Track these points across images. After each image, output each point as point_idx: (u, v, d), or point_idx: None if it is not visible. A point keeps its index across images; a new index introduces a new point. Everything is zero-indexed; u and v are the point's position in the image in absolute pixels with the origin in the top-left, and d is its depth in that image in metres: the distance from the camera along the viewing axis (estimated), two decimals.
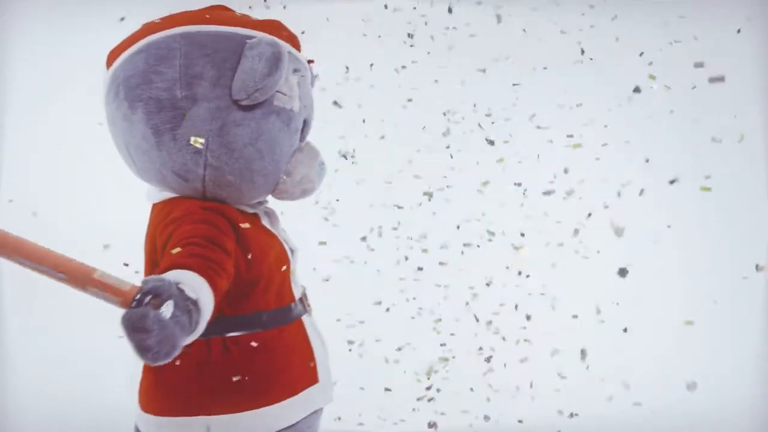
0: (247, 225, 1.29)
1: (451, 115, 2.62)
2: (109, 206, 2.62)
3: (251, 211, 1.37)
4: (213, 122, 1.28)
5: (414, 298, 2.63)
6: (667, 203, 2.63)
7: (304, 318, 1.41)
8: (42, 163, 2.77)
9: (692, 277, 2.64)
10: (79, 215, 2.72)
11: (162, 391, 1.31)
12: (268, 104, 1.29)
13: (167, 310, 0.97)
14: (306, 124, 1.37)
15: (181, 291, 1.02)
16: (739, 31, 2.52)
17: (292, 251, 1.42)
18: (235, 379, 1.29)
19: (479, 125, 2.58)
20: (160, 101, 1.27)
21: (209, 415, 1.28)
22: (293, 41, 1.37)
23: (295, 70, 1.32)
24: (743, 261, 2.65)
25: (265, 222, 1.39)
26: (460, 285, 2.68)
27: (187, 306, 1.00)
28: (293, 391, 1.34)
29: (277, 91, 1.30)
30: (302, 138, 1.37)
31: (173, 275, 1.05)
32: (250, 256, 1.29)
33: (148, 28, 1.34)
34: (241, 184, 1.32)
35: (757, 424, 2.64)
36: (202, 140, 1.26)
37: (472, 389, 2.62)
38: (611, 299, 2.62)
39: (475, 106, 2.59)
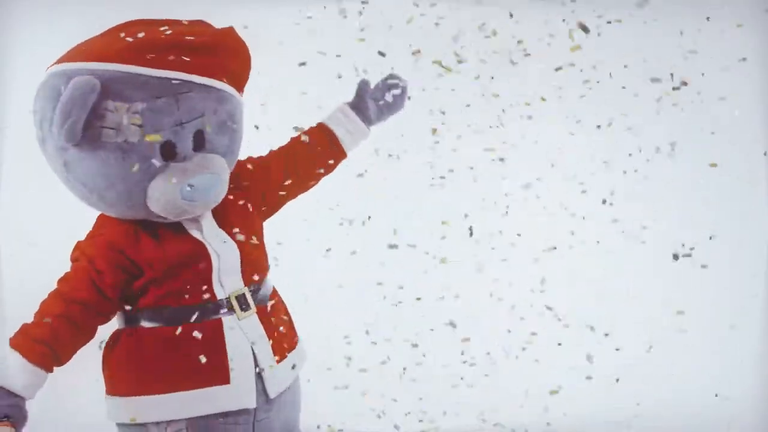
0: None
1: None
2: None
3: (168, 220, 1.48)
4: (59, 160, 1.45)
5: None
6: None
7: (228, 318, 1.51)
8: (43, 163, 2.76)
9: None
10: (80, 215, 2.70)
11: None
12: (93, 140, 1.38)
13: None
14: (173, 145, 1.42)
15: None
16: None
17: (218, 254, 1.52)
18: (133, 365, 1.51)
19: None
20: (37, 138, 1.50)
21: (113, 394, 1.55)
22: (156, 56, 1.41)
23: (152, 96, 1.38)
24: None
25: (189, 227, 1.51)
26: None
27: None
28: (187, 386, 1.48)
29: (102, 127, 1.37)
30: (175, 159, 1.43)
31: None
32: (143, 260, 1.47)
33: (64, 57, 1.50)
34: (108, 212, 1.51)
35: (757, 425, 2.62)
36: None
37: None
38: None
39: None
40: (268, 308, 1.59)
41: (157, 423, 1.50)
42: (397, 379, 2.68)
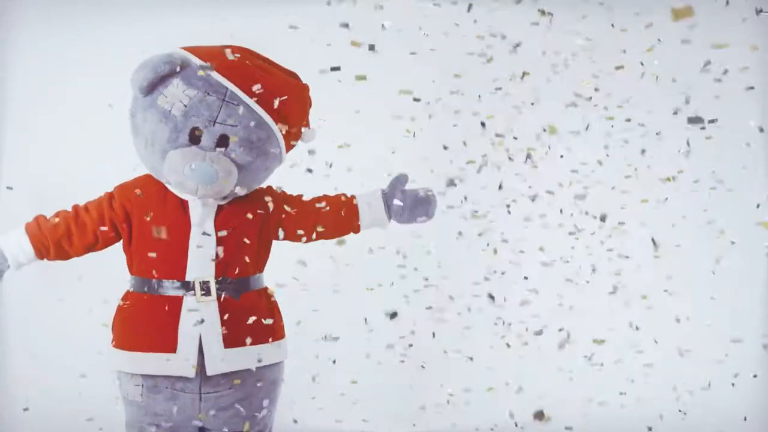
0: (138, 191, 1.80)
1: None
2: None
3: (183, 197, 1.77)
4: (131, 105, 1.78)
5: None
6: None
7: (188, 298, 1.75)
8: (43, 157, 2.79)
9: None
10: None
11: None
12: (153, 99, 1.72)
13: None
14: (198, 133, 1.70)
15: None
16: None
17: (197, 242, 1.76)
18: (116, 322, 1.82)
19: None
20: None
21: (112, 346, 1.83)
22: (231, 68, 1.73)
23: (205, 90, 1.70)
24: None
25: (193, 210, 1.77)
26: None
27: None
28: (142, 348, 1.76)
29: (162, 93, 1.70)
30: (192, 142, 1.71)
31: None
32: (132, 227, 1.78)
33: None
34: (146, 165, 1.80)
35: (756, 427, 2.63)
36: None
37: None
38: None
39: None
40: (236, 301, 1.79)
41: (125, 373, 1.80)
42: None
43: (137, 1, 2.68)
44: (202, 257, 1.76)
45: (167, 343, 1.75)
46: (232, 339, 1.78)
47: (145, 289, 1.78)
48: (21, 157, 2.81)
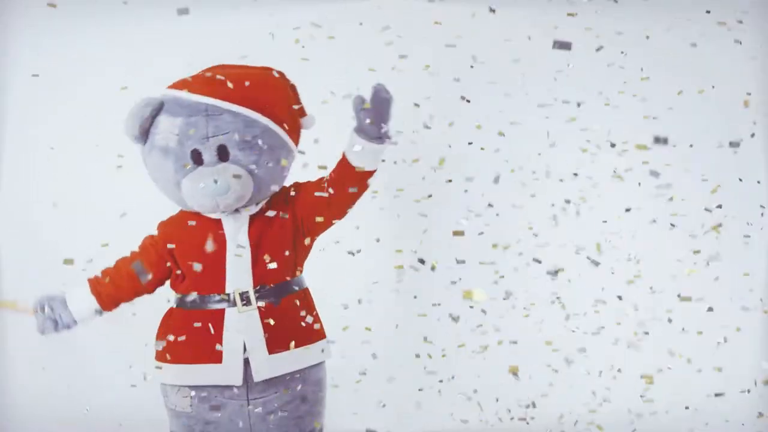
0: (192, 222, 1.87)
1: None
2: (110, 202, 2.61)
3: (215, 216, 1.85)
4: (144, 162, 1.90)
5: None
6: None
7: (230, 310, 1.81)
8: (43, 157, 2.78)
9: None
10: (81, 213, 2.71)
11: None
12: (151, 142, 1.84)
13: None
14: (200, 153, 1.79)
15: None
16: None
17: (234, 255, 1.83)
18: (166, 337, 1.87)
19: None
20: None
21: (155, 359, 1.91)
22: (204, 87, 1.82)
23: (187, 114, 1.79)
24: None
25: (226, 226, 1.84)
26: None
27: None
28: (189, 360, 1.83)
29: (156, 134, 1.81)
30: (196, 164, 1.80)
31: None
32: (175, 256, 1.88)
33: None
34: (174, 201, 1.89)
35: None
36: None
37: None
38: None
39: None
40: (276, 307, 1.84)
41: (172, 386, 1.88)
42: None
43: (137, 2, 2.68)
44: (239, 269, 1.83)
45: (213, 354, 1.81)
46: (276, 344, 1.83)
47: (189, 304, 1.85)
48: (21, 157, 2.81)
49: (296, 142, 1.92)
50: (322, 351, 1.92)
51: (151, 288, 1.92)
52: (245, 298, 1.83)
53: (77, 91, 2.76)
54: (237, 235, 1.84)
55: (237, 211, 1.84)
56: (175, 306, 1.90)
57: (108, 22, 2.73)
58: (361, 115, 1.77)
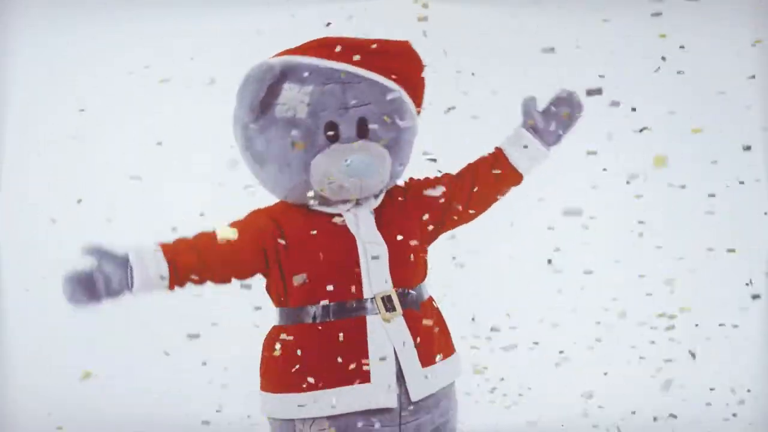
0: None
1: None
2: (109, 202, 2.62)
3: (329, 210, 1.56)
4: (242, 138, 1.58)
5: None
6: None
7: (371, 318, 1.52)
8: (43, 156, 2.78)
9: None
10: (79, 216, 2.71)
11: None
12: (270, 115, 1.53)
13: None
14: (336, 126, 1.52)
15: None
16: None
17: (369, 253, 1.54)
18: (280, 363, 1.53)
19: None
20: None
21: (266, 391, 1.57)
22: (330, 53, 1.55)
23: (320, 81, 1.53)
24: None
25: (349, 222, 1.56)
26: None
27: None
28: (327, 385, 1.49)
29: (277, 103, 1.52)
30: (330, 140, 1.52)
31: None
32: (286, 247, 1.53)
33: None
34: (272, 188, 1.60)
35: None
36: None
37: None
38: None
39: None
40: (419, 313, 1.58)
41: (303, 420, 1.51)
42: None
43: (137, 2, 2.68)
44: (377, 270, 1.54)
45: (358, 372, 1.50)
46: (427, 356, 1.56)
47: (312, 318, 1.53)
48: (21, 157, 2.81)
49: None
50: (461, 361, 1.67)
51: (228, 275, 1.54)
52: (389, 303, 1.54)
53: (77, 91, 2.76)
54: (365, 231, 1.55)
55: (359, 204, 1.57)
56: (284, 323, 1.56)
57: (108, 22, 2.74)
58: (549, 116, 1.63)
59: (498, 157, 1.65)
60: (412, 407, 1.53)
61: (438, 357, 1.57)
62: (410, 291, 1.57)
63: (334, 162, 1.49)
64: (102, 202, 2.67)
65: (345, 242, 1.53)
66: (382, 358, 1.50)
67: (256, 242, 1.52)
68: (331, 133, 1.51)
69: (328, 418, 1.49)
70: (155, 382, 2.65)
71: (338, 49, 1.55)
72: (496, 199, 1.68)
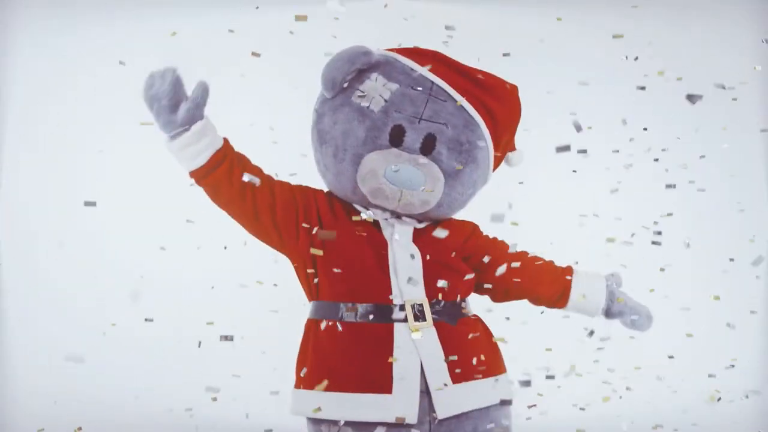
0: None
1: None
2: (109, 202, 2.61)
3: (372, 217, 1.52)
4: (315, 113, 1.57)
5: None
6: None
7: (399, 326, 1.45)
8: (43, 156, 2.77)
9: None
10: (79, 216, 2.71)
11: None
12: (346, 97, 1.50)
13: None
14: (402, 131, 1.48)
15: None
16: None
17: (398, 258, 1.49)
18: (306, 360, 1.49)
19: None
20: None
21: (297, 387, 1.51)
22: (433, 64, 1.53)
23: (407, 84, 1.50)
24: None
25: (384, 229, 1.52)
26: None
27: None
28: (351, 388, 1.42)
29: (357, 89, 1.49)
30: (392, 143, 1.48)
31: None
32: (316, 231, 1.50)
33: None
34: (323, 171, 1.56)
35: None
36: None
37: None
38: None
39: None
40: (454, 327, 1.50)
41: (326, 421, 1.45)
42: None
43: (137, 1, 2.68)
44: (408, 278, 1.48)
45: (380, 382, 1.42)
46: (461, 372, 1.47)
47: (341, 316, 1.47)
48: (21, 157, 2.81)
49: (495, 168, 1.61)
50: (511, 385, 1.57)
51: (242, 214, 1.52)
52: (419, 312, 1.48)
53: (77, 91, 2.76)
54: (400, 238, 1.51)
55: (399, 218, 1.54)
56: (316, 318, 1.51)
57: (108, 22, 2.74)
58: (629, 318, 1.63)
59: (561, 278, 1.62)
60: (443, 426, 1.45)
61: (477, 375, 1.48)
62: (445, 302, 1.50)
63: (386, 163, 1.46)
64: (102, 202, 2.67)
65: (377, 245, 1.49)
66: (407, 369, 1.43)
67: (297, 200, 1.52)
68: (395, 136, 1.47)
69: (350, 423, 1.43)
70: (155, 382, 2.65)
71: (442, 64, 1.53)
72: (525, 299, 1.65)
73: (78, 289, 2.62)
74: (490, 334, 1.58)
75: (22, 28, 2.77)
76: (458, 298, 1.53)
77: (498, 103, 1.54)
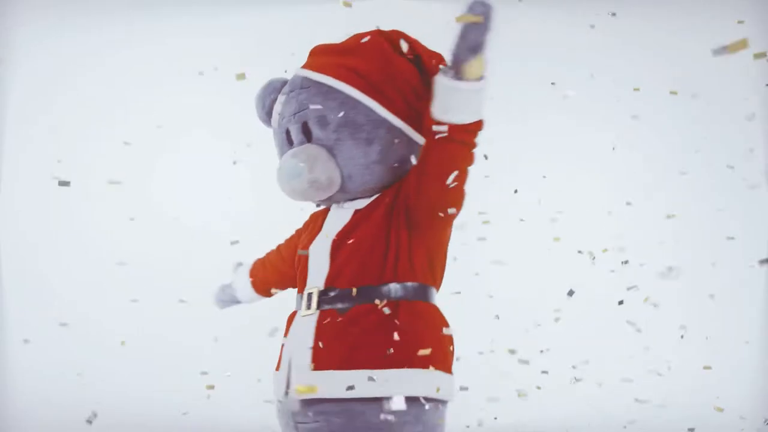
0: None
1: None
2: (109, 202, 2.61)
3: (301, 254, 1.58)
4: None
5: None
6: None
7: (298, 313, 1.50)
8: (43, 156, 2.74)
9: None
10: (79, 216, 2.71)
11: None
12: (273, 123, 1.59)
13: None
14: (287, 132, 1.53)
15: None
16: None
17: (317, 250, 1.55)
18: (395, 338, 1.39)
19: None
20: None
21: (369, 368, 1.39)
22: (308, 60, 1.57)
23: (286, 92, 1.55)
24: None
25: (329, 218, 1.56)
26: None
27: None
28: (276, 367, 1.51)
29: (275, 112, 1.57)
30: (291, 144, 1.52)
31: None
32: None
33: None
34: None
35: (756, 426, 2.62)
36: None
37: None
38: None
39: None
40: (338, 314, 1.44)
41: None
42: None
43: (137, 2, 2.67)
44: (318, 266, 1.48)
45: (278, 361, 1.54)
46: (325, 360, 1.41)
47: (422, 296, 1.45)
48: (21, 157, 2.81)
49: (413, 117, 1.47)
50: (395, 383, 1.39)
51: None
52: (309, 300, 1.47)
53: (77, 91, 2.75)
54: (333, 229, 1.49)
55: (340, 204, 1.52)
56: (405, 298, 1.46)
57: (108, 22, 2.73)
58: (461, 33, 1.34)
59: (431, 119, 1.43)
60: (301, 409, 1.42)
61: (340, 365, 1.39)
62: (338, 290, 1.44)
63: (278, 168, 1.50)
64: (102, 201, 2.67)
65: (311, 238, 1.53)
66: (288, 353, 1.46)
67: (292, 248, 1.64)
68: (288, 140, 1.51)
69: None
70: (155, 383, 2.65)
71: (313, 56, 1.56)
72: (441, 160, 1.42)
73: (77, 294, 2.61)
74: (394, 328, 1.41)
75: (22, 28, 2.77)
76: (371, 284, 1.43)
77: (359, 58, 1.48)
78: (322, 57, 1.53)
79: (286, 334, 1.49)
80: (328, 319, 1.41)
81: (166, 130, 2.56)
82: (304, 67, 1.54)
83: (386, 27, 1.56)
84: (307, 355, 1.41)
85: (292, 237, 1.67)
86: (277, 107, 1.55)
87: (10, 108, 2.77)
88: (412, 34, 1.54)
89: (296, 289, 1.53)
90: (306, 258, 1.49)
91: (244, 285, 1.76)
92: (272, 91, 1.58)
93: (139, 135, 2.66)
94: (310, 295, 1.45)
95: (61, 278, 2.58)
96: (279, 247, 1.71)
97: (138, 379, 2.60)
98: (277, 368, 1.49)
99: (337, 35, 1.50)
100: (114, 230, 2.54)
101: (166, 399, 2.58)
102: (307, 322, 1.43)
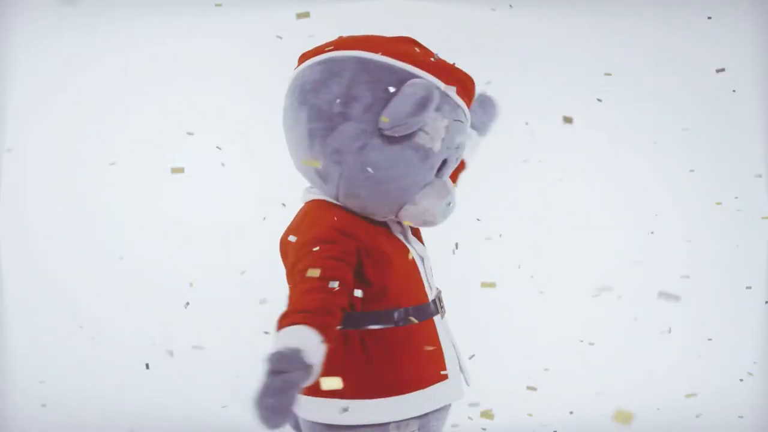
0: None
1: None
2: (109, 201, 2.61)
3: (381, 221, 1.56)
4: (356, 141, 1.45)
5: None
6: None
7: (436, 319, 1.57)
8: (43, 163, 2.76)
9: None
10: (79, 216, 2.71)
11: None
12: (408, 139, 1.46)
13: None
14: (445, 163, 1.53)
15: (301, 360, 1.26)
16: None
17: (422, 258, 1.60)
18: (368, 368, 1.49)
19: None
20: (320, 110, 1.48)
21: (345, 398, 1.48)
22: (465, 87, 1.53)
23: (452, 117, 1.50)
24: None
25: (395, 231, 1.57)
26: None
27: (306, 375, 1.27)
28: (419, 386, 1.51)
29: (420, 130, 1.45)
30: (438, 174, 1.53)
31: (296, 342, 1.29)
32: (371, 264, 1.49)
33: (337, 44, 1.53)
34: (367, 200, 1.51)
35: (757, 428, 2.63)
36: (318, 163, 1.49)
37: None
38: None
39: None
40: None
41: (397, 423, 1.51)
42: None
43: (137, 1, 2.68)
44: (427, 276, 1.60)
45: (438, 372, 1.54)
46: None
47: (391, 322, 1.51)
48: (21, 157, 2.81)
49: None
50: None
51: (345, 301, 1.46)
52: (440, 303, 1.62)
53: (77, 91, 2.76)
54: (410, 240, 1.60)
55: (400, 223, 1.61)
56: (364, 326, 1.50)
57: (108, 22, 2.74)
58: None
59: None
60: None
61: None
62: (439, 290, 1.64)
63: (438, 199, 1.49)
64: (102, 202, 2.67)
65: (403, 250, 1.55)
66: (450, 356, 1.57)
67: (352, 264, 1.45)
68: (439, 168, 1.51)
69: (418, 418, 1.50)
70: (155, 381, 2.65)
71: (456, 78, 1.51)
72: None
73: (78, 292, 2.61)
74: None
75: (22, 28, 2.77)
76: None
77: (471, 97, 1.60)
78: (461, 84, 1.51)
79: (431, 343, 1.53)
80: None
81: (167, 131, 2.58)
82: (459, 95, 1.50)
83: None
84: (459, 348, 1.61)
85: (341, 266, 1.43)
86: (442, 122, 1.47)
87: (10, 108, 2.79)
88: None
89: (366, 298, 1.48)
90: (413, 266, 1.55)
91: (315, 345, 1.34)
92: (432, 103, 1.44)
93: (139, 135, 2.67)
94: (437, 299, 1.59)
95: (61, 278, 2.58)
96: (341, 286, 1.41)
97: (142, 379, 2.62)
98: (435, 379, 1.51)
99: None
100: (116, 230, 2.55)
101: (174, 401, 2.60)
102: (445, 324, 1.59)
